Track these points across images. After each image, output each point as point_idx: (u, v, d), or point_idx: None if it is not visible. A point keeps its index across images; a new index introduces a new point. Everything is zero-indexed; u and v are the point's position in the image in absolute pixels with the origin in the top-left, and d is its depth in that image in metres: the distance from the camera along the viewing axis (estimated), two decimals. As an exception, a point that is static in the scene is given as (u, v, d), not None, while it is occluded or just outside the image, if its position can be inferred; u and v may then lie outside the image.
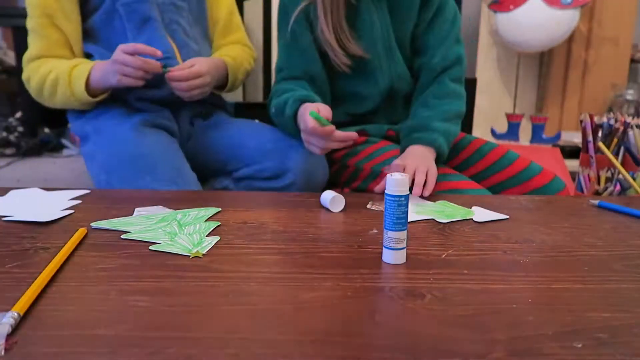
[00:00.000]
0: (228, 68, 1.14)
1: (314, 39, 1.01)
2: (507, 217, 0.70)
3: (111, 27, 1.08)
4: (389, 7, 1.04)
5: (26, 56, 1.06)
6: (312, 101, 0.91)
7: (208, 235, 0.60)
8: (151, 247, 0.56)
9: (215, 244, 0.57)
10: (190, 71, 1.00)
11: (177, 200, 0.77)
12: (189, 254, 0.54)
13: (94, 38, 1.10)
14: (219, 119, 1.18)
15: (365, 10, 1.02)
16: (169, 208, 0.72)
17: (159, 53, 0.96)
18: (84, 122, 1.10)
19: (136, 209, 0.71)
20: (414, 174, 0.82)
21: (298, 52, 1.02)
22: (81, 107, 1.05)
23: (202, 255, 0.54)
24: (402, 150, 0.95)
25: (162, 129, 1.07)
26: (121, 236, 0.59)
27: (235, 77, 1.18)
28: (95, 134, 1.06)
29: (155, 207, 0.72)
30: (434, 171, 0.84)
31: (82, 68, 1.00)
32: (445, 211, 0.73)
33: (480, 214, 0.72)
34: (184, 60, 1.09)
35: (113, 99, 1.07)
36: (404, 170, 0.82)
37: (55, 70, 1.02)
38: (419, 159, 0.86)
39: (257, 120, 1.20)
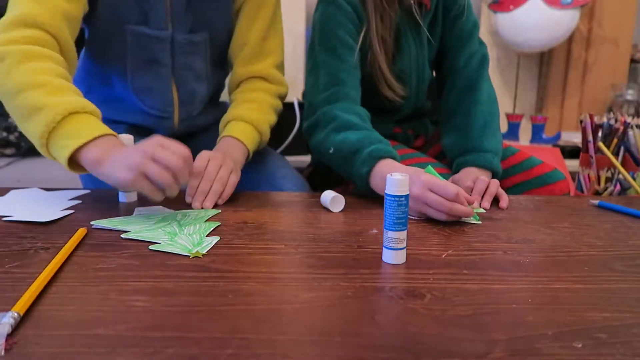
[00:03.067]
0: (242, 140, 0.89)
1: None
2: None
3: (108, 43, 0.90)
4: (428, 35, 1.01)
5: (8, 18, 0.72)
6: (392, 155, 0.79)
7: (208, 235, 0.60)
8: (151, 247, 0.56)
9: (215, 244, 0.57)
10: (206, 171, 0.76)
11: (177, 200, 0.76)
12: (189, 254, 0.54)
13: (90, 36, 0.91)
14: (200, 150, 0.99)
15: (404, 39, 0.99)
16: (169, 208, 0.72)
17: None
18: None
19: (136, 209, 0.71)
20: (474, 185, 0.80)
21: (352, 68, 0.92)
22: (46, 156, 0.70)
23: (202, 255, 0.54)
24: (456, 171, 0.93)
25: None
26: (121, 236, 0.59)
27: (259, 140, 0.93)
28: None
29: (155, 207, 0.72)
30: (496, 183, 0.82)
31: (84, 122, 0.68)
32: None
33: None
34: (181, 118, 0.99)
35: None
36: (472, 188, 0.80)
37: (47, 86, 0.68)
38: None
39: None
